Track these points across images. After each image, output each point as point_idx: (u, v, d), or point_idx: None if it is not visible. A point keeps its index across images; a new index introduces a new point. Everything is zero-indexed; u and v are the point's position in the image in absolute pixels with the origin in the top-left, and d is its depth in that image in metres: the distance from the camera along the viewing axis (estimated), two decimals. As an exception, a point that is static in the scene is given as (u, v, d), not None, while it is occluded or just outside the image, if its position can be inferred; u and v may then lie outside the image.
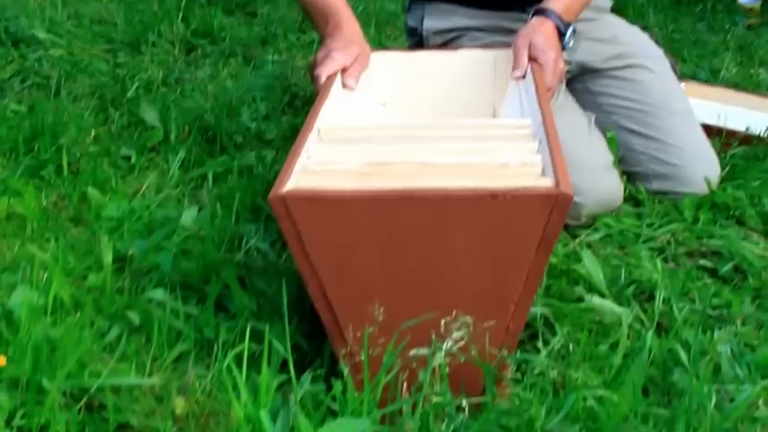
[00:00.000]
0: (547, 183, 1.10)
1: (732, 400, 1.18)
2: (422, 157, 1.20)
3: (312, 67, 1.59)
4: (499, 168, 1.16)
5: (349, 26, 1.66)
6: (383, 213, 1.08)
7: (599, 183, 1.70)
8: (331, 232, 1.09)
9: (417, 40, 1.97)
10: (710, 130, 1.97)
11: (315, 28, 1.78)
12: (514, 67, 1.60)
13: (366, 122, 1.57)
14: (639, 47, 1.95)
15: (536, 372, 1.19)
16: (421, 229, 1.08)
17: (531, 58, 1.59)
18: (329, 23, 1.66)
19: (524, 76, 1.58)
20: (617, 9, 2.04)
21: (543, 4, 1.68)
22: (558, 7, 1.67)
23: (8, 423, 1.11)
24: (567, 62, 1.78)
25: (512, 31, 1.72)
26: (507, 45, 1.70)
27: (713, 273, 1.58)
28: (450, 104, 1.70)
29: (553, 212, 1.07)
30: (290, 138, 2.11)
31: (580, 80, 1.92)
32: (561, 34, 1.67)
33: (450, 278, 1.12)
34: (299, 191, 1.10)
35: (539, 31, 1.63)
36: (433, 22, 1.92)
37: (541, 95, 1.41)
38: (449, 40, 1.92)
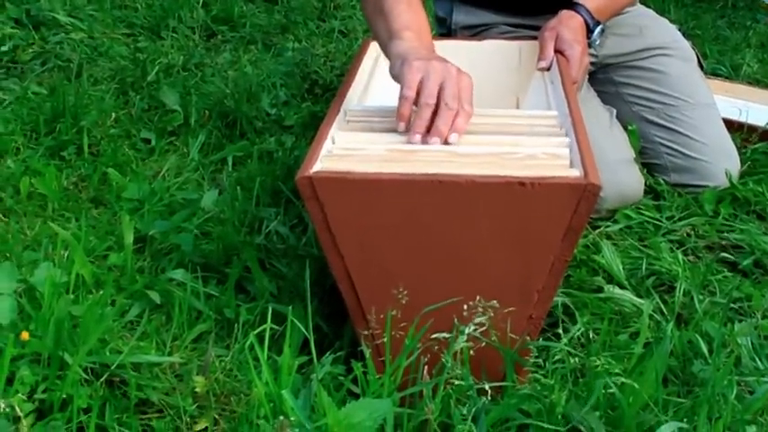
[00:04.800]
0: (575, 173, 1.10)
1: (752, 393, 1.18)
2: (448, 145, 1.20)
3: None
4: (527, 159, 1.16)
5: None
6: (411, 197, 1.08)
7: (620, 177, 1.68)
8: (357, 214, 1.09)
9: (445, 32, 1.96)
10: (732, 125, 1.96)
11: None
12: (540, 58, 1.59)
13: (392, 109, 1.57)
14: (667, 38, 1.93)
15: (556, 358, 1.19)
16: (448, 214, 1.09)
17: (558, 51, 1.59)
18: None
19: (549, 68, 1.57)
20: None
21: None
22: (591, 5, 1.67)
23: (30, 396, 1.12)
24: (593, 55, 1.78)
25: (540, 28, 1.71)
26: (534, 38, 1.69)
27: (733, 266, 1.58)
28: (474, 93, 1.69)
29: (581, 203, 1.07)
30: (309, 124, 2.11)
31: (602, 71, 1.91)
32: (589, 30, 1.66)
33: (475, 264, 1.12)
34: (327, 172, 1.10)
35: (566, 25, 1.62)
36: (461, 17, 1.91)
37: (568, 87, 1.41)
38: (477, 34, 1.90)
